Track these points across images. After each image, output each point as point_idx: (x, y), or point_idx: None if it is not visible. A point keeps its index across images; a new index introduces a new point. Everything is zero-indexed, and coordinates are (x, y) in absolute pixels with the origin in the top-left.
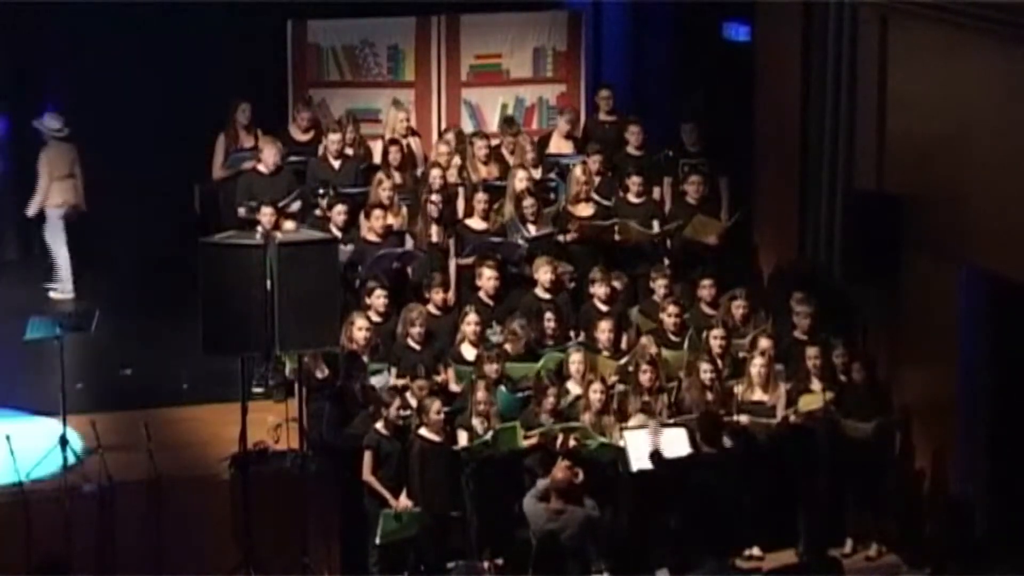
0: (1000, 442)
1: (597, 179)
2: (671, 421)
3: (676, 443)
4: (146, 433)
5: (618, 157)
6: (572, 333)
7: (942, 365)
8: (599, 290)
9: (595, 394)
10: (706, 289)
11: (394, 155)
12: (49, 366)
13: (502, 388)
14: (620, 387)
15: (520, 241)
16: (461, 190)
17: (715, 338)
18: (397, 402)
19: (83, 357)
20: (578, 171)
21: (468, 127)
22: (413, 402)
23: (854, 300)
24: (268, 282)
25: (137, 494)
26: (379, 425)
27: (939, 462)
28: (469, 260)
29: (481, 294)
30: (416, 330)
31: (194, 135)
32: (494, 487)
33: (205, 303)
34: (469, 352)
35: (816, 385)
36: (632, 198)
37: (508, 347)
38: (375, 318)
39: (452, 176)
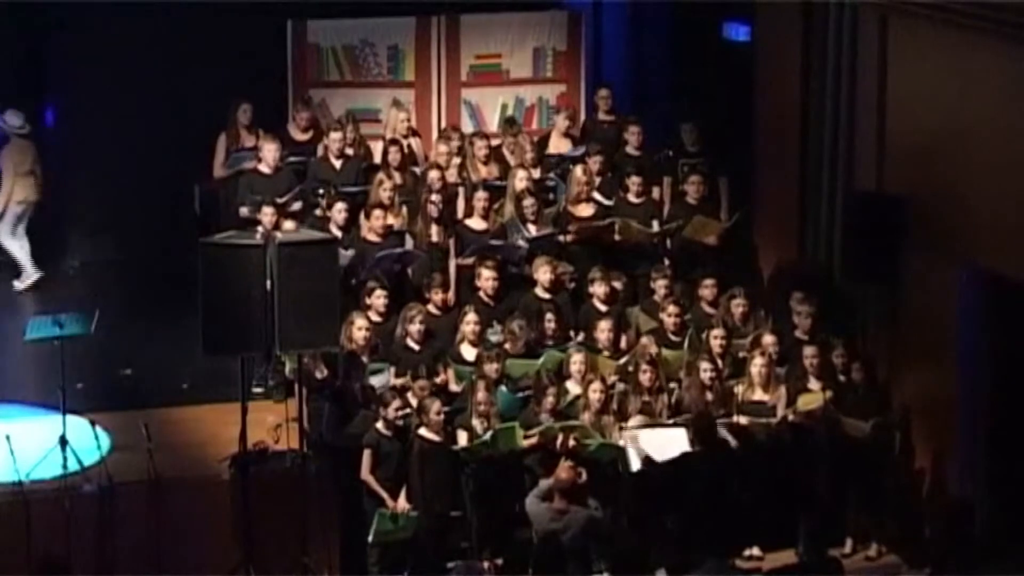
0: (1000, 442)
1: (598, 179)
2: (671, 421)
3: (675, 444)
4: (146, 433)
5: (618, 157)
6: (572, 333)
7: (942, 365)
8: (599, 290)
9: (595, 394)
10: (708, 289)
11: (394, 155)
12: (49, 366)
13: (502, 388)
14: (620, 387)
15: (520, 242)
16: (461, 190)
17: (715, 338)
18: (396, 402)
19: (83, 357)
20: (578, 171)
21: (468, 127)
22: (413, 402)
23: (854, 300)
24: (268, 282)
25: (137, 494)
26: (379, 424)
27: (939, 462)
28: (469, 260)
29: (481, 294)
30: (416, 328)
31: (194, 135)
32: (494, 487)
33: (205, 303)
34: (468, 352)
35: (814, 384)
36: (632, 198)
37: (508, 347)
38: (375, 318)
39: (452, 176)
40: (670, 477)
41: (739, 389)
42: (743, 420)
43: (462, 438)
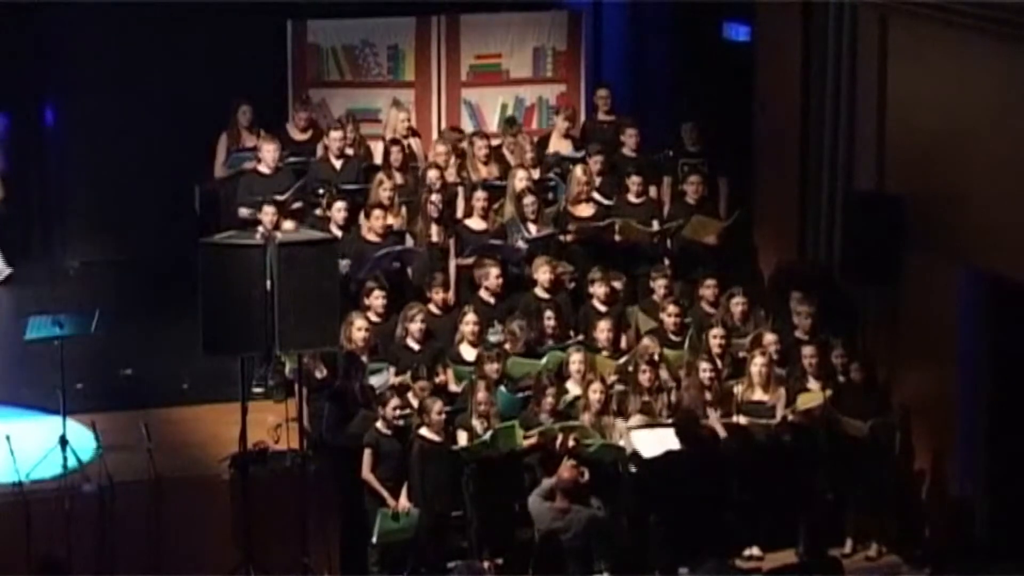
0: (999, 442)
1: (599, 179)
2: (669, 421)
3: (665, 443)
4: (146, 433)
5: (617, 156)
6: (572, 333)
7: (942, 365)
8: (599, 290)
9: (595, 394)
10: (709, 289)
11: (396, 155)
12: (49, 366)
13: (502, 388)
14: (619, 387)
15: (520, 243)
16: (460, 190)
17: (714, 337)
18: (396, 401)
19: (83, 357)
20: (578, 171)
21: (468, 127)
22: (414, 402)
23: (854, 300)
24: (268, 282)
25: (137, 494)
26: (379, 424)
27: (939, 462)
28: (469, 260)
29: (483, 292)
30: (416, 327)
31: (194, 135)
32: (494, 487)
33: (205, 303)
34: (468, 352)
35: (814, 384)
36: (632, 198)
37: (508, 347)
38: (373, 318)
39: (452, 176)
40: (653, 475)
41: (738, 389)
42: (743, 420)
43: (462, 438)
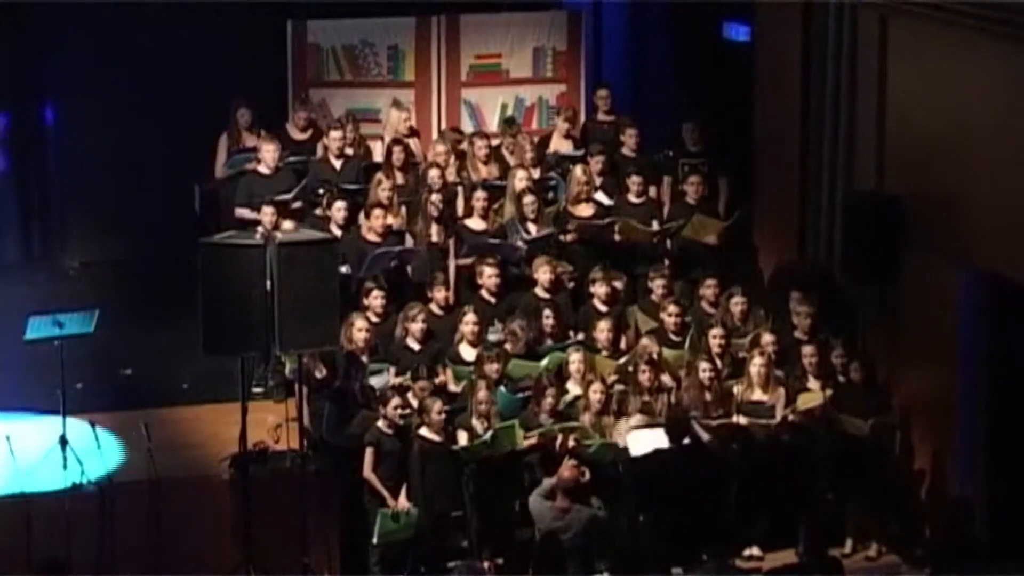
0: (999, 442)
1: (599, 179)
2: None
3: (657, 442)
4: (146, 433)
5: (617, 156)
6: (571, 333)
7: (941, 365)
8: (599, 290)
9: (595, 394)
10: (710, 289)
11: (397, 155)
12: (49, 366)
13: (502, 388)
14: (619, 387)
15: (520, 243)
16: (460, 190)
17: (714, 337)
18: (396, 401)
19: (83, 357)
20: (579, 171)
21: (468, 127)
22: (414, 402)
23: (854, 300)
24: (268, 282)
25: (137, 494)
26: (380, 423)
27: (939, 462)
28: (468, 260)
29: (483, 292)
30: (417, 326)
31: (194, 135)
32: (494, 487)
33: (205, 303)
34: (467, 352)
35: (814, 384)
36: (632, 198)
37: (508, 347)
38: (373, 319)
39: (452, 176)
40: (642, 473)
41: (738, 389)
42: (742, 420)
43: (462, 438)
